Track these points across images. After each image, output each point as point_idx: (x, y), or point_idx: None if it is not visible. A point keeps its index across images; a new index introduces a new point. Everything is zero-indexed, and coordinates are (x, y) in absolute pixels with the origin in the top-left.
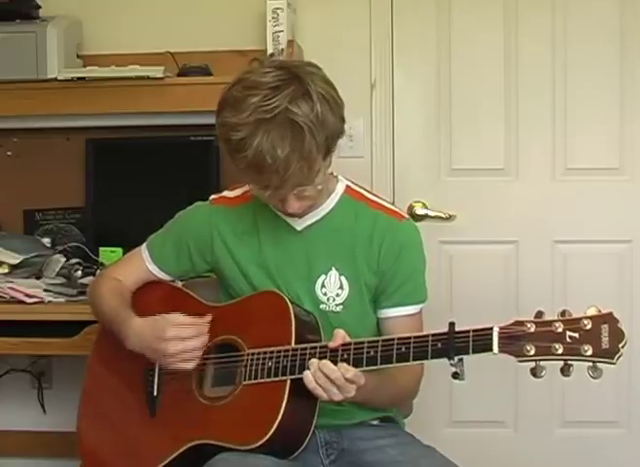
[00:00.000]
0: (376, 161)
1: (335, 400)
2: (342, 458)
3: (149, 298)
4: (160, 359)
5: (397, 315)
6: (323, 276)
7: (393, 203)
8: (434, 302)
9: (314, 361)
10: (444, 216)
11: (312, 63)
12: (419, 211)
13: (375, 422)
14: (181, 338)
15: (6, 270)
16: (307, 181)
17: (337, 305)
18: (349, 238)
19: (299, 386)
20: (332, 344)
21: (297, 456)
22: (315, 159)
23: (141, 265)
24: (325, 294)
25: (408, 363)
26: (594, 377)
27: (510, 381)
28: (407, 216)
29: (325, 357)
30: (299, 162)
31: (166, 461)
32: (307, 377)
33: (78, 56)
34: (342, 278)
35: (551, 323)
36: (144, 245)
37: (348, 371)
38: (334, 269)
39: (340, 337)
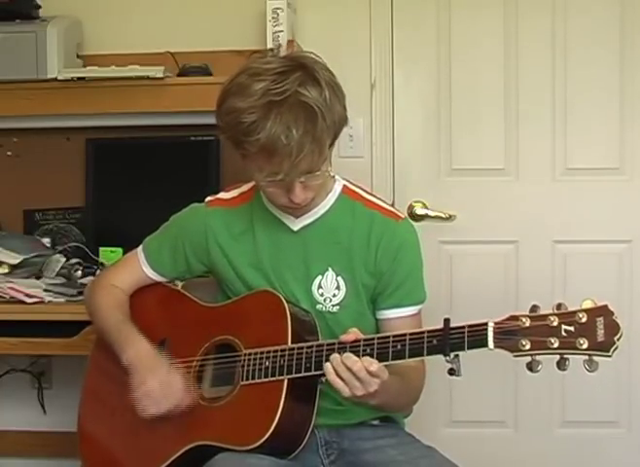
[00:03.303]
0: (376, 161)
1: (357, 395)
2: (342, 458)
3: (146, 300)
4: (137, 387)
5: (396, 316)
6: (320, 277)
7: (393, 203)
8: (434, 302)
9: (336, 355)
10: (443, 216)
11: (314, 53)
12: (419, 211)
13: (375, 422)
14: (167, 382)
15: (6, 270)
16: (316, 167)
17: (333, 305)
18: (346, 239)
19: (296, 386)
20: (331, 341)
21: (296, 456)
22: (325, 143)
23: (137, 269)
24: (322, 294)
25: (403, 360)
26: (590, 371)
27: (510, 381)
28: (403, 216)
29: (321, 356)
30: (311, 145)
31: (167, 463)
32: (327, 368)
33: (78, 56)
34: (339, 279)
35: (545, 317)
36: (139, 248)
37: (372, 364)
38: (330, 269)
39: (353, 332)
